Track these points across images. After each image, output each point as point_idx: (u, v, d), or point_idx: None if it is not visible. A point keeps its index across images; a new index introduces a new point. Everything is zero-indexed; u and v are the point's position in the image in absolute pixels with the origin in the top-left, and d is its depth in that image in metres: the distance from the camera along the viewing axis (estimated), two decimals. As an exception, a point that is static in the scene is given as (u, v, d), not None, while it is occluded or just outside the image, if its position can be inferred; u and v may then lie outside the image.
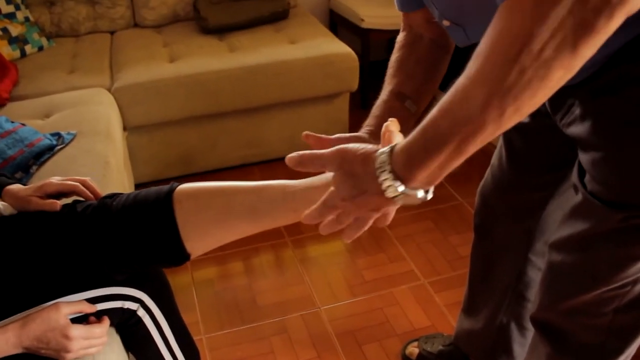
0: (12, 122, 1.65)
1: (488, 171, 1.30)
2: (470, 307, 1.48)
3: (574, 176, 0.95)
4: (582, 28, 0.55)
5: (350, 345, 1.66)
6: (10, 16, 2.40)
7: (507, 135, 1.19)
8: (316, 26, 2.62)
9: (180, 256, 1.01)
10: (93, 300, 1.01)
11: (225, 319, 1.76)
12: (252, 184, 1.00)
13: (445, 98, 0.63)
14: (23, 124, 1.66)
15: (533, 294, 1.27)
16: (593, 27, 0.55)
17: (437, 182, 0.67)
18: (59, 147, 1.65)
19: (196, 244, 1.00)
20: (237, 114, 2.36)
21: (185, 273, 1.95)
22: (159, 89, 2.18)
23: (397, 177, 0.67)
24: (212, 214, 0.98)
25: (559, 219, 1.03)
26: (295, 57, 2.32)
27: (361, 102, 2.94)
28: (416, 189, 0.68)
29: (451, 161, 0.64)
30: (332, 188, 0.74)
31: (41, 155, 1.60)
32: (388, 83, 1.04)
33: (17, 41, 2.38)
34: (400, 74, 1.03)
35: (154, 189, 1.03)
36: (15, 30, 2.38)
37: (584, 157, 0.91)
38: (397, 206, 0.73)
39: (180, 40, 2.48)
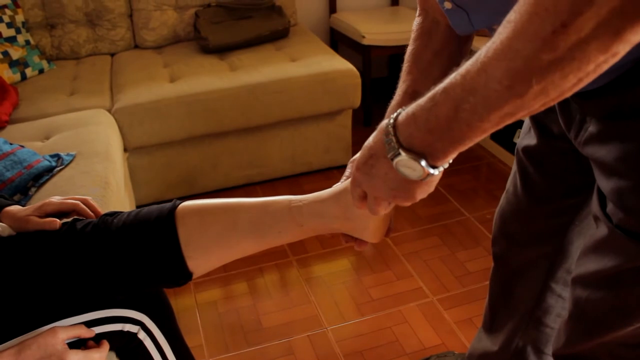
0: (11, 144, 1.63)
1: (503, 197, 1.23)
2: (491, 327, 1.42)
3: (595, 206, 0.86)
4: (630, 5, 0.48)
5: (359, 366, 1.62)
6: (11, 40, 2.40)
7: (521, 162, 1.12)
8: (317, 44, 2.61)
9: (182, 275, 0.98)
10: (92, 323, 0.98)
11: (230, 341, 1.72)
12: (257, 200, 0.97)
13: (462, 66, 0.58)
14: (22, 146, 1.64)
15: (552, 320, 1.22)
16: None
17: (443, 158, 0.63)
18: (58, 168, 1.62)
19: (199, 262, 0.97)
20: (239, 133, 2.34)
21: (188, 295, 1.91)
22: (160, 109, 2.16)
23: (399, 139, 0.64)
24: (216, 231, 0.95)
25: (581, 248, 0.94)
26: (296, 75, 2.30)
27: (364, 120, 2.93)
28: (419, 158, 0.63)
29: (458, 134, 0.59)
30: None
31: (40, 177, 1.58)
32: (402, 81, 0.96)
33: (18, 64, 2.37)
34: (415, 70, 0.95)
35: (156, 206, 1.01)
36: (16, 53, 2.38)
37: (606, 184, 0.80)
38: (403, 181, 0.68)
39: (181, 60, 2.47)
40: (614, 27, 0.49)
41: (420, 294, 1.86)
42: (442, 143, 0.62)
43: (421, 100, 0.62)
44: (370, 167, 0.71)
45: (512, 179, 1.18)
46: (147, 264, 0.96)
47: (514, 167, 1.16)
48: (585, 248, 0.91)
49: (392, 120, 0.65)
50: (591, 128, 0.80)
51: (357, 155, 0.74)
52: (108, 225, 0.98)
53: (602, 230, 0.84)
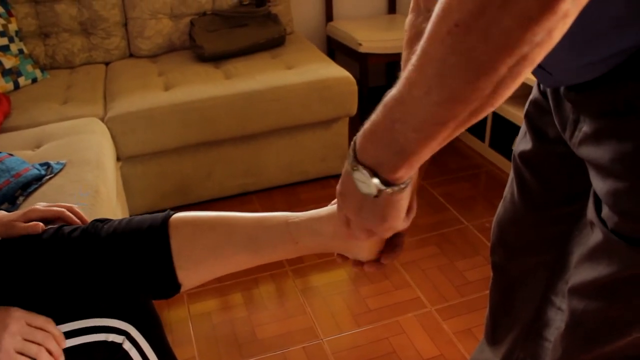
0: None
1: (501, 204, 1.19)
2: (493, 338, 1.37)
3: (590, 211, 0.82)
4: None
5: (355, 378, 1.58)
6: (4, 49, 2.37)
7: (517, 168, 1.08)
8: (313, 52, 2.59)
9: (170, 286, 0.94)
10: (75, 333, 0.94)
11: (224, 353, 1.68)
12: (253, 214, 0.95)
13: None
14: (10, 154, 1.61)
15: (551, 334, 1.15)
16: None
17: (394, 172, 0.62)
18: (47, 177, 1.59)
19: (189, 273, 0.94)
20: (234, 142, 2.31)
21: (182, 306, 1.86)
22: (154, 118, 2.13)
23: (355, 155, 0.64)
24: (209, 242, 0.93)
25: (577, 257, 0.90)
26: (292, 82, 2.28)
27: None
28: (371, 173, 0.63)
29: (398, 146, 0.59)
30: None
31: (29, 185, 1.55)
32: (402, 68, 0.93)
33: (11, 73, 2.35)
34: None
35: (148, 215, 0.98)
36: (8, 62, 2.35)
37: (601, 187, 0.77)
38: (365, 200, 0.67)
39: (176, 68, 2.45)
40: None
41: (418, 304, 1.82)
42: (388, 156, 0.61)
43: (373, 113, 0.61)
44: (344, 187, 0.71)
45: (510, 186, 1.13)
46: (136, 272, 0.93)
47: (511, 174, 1.12)
48: (580, 256, 0.87)
49: (356, 134, 0.65)
50: (585, 128, 0.77)
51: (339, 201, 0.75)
52: (98, 231, 0.95)
53: (597, 236, 0.80)
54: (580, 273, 0.86)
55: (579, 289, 0.87)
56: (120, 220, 0.97)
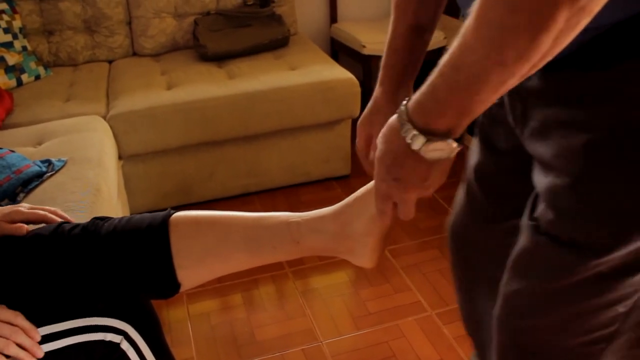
0: (0, 148, 1.59)
1: (452, 213, 1.12)
2: (474, 345, 1.32)
3: (525, 215, 0.79)
4: None
5: (354, 381, 1.57)
6: (8, 45, 2.37)
7: (468, 182, 1.03)
8: (317, 53, 2.59)
9: (169, 286, 0.94)
10: (72, 332, 0.93)
11: (222, 354, 1.67)
12: (254, 214, 0.94)
13: (452, 44, 0.59)
14: (12, 151, 1.60)
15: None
16: None
17: (461, 129, 0.64)
18: (48, 174, 1.58)
19: (189, 272, 0.93)
20: (236, 142, 2.31)
21: (181, 306, 1.86)
22: (156, 117, 2.12)
23: (418, 128, 0.65)
24: (209, 241, 0.92)
25: (507, 266, 0.85)
26: (295, 83, 2.27)
27: (364, 130, 2.89)
28: (443, 138, 0.64)
29: (463, 109, 0.61)
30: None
31: (29, 182, 1.54)
32: (398, 17, 0.94)
33: (14, 70, 2.35)
34: (413, 2, 0.91)
35: (149, 214, 0.97)
36: (12, 59, 2.35)
37: (542, 182, 0.75)
38: (433, 168, 0.68)
39: (179, 67, 2.45)
40: None
41: (418, 308, 1.81)
42: (453, 119, 0.62)
43: (424, 87, 0.63)
44: (391, 145, 0.69)
45: (460, 197, 1.07)
46: (135, 271, 0.92)
47: (463, 186, 1.06)
48: (509, 265, 0.83)
49: (404, 115, 0.65)
50: (533, 122, 0.76)
51: (377, 161, 0.72)
52: (98, 229, 0.95)
53: (525, 239, 0.78)
54: (509, 284, 0.82)
55: (507, 302, 0.83)
56: (121, 219, 0.97)
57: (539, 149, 0.75)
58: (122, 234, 0.93)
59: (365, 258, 0.92)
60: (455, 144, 0.65)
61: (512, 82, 0.57)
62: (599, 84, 0.65)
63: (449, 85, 0.59)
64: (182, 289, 0.95)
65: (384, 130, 0.70)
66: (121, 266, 0.92)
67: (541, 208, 0.75)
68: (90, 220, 0.98)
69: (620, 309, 0.73)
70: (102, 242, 0.92)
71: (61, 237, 0.93)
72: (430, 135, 0.64)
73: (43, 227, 0.99)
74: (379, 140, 0.71)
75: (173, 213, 0.96)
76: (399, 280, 1.93)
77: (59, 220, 1.03)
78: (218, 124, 2.20)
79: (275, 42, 2.61)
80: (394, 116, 0.68)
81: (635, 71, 0.62)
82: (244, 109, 2.21)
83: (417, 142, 0.65)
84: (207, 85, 2.25)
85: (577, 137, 0.68)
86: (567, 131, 0.69)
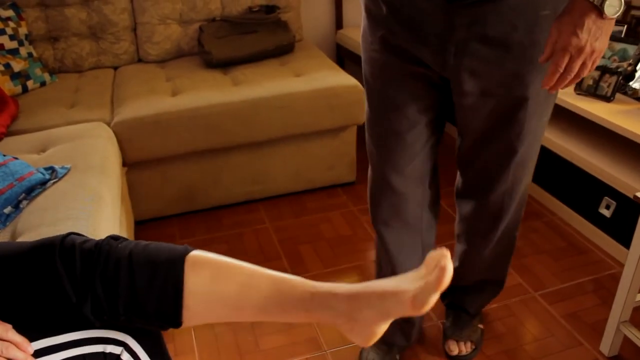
0: (4, 155, 1.59)
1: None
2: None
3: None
4: None
5: (359, 391, 1.55)
6: (14, 52, 2.38)
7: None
8: (322, 59, 2.58)
9: (171, 323, 0.93)
10: (72, 344, 0.92)
11: (225, 363, 1.66)
12: (273, 274, 0.95)
13: None
14: (15, 158, 1.60)
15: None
16: None
17: None
18: (52, 181, 1.58)
19: (194, 315, 0.93)
20: (241, 149, 2.30)
21: (184, 314, 1.84)
22: (160, 123, 2.12)
23: None
24: (224, 292, 0.93)
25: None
26: (300, 90, 2.26)
27: (369, 136, 2.88)
28: None
29: None
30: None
31: (32, 189, 1.54)
32: None
33: (20, 77, 2.35)
34: None
35: (166, 245, 0.96)
36: (17, 66, 2.35)
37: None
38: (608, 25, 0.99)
39: (184, 74, 2.44)
40: None
41: (424, 317, 1.79)
42: None
43: None
44: (594, 26, 0.98)
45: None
46: (140, 302, 0.90)
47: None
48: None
49: None
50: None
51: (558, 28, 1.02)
52: (112, 249, 0.92)
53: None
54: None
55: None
56: (137, 243, 0.95)
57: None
58: (137, 262, 0.91)
59: (362, 339, 0.95)
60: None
61: None
62: None
63: None
64: (182, 327, 0.94)
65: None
66: (127, 294, 0.90)
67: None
68: (105, 238, 0.96)
69: None
70: (113, 265, 0.91)
71: (71, 250, 0.92)
72: None
73: (51, 237, 0.96)
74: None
75: (191, 250, 0.95)
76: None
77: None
78: (223, 130, 2.20)
79: (281, 48, 2.61)
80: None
81: None
82: (248, 116, 2.21)
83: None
84: (212, 92, 2.24)
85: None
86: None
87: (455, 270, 1.51)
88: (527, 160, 1.32)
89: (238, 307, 0.94)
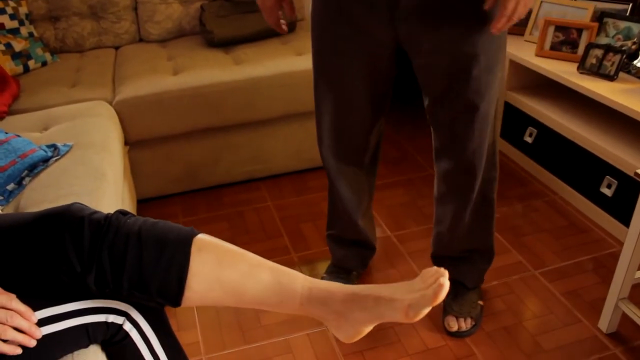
0: (6, 132, 1.60)
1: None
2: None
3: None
4: None
5: (359, 366, 1.57)
6: (14, 32, 2.37)
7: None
8: (324, 38, 2.56)
9: (171, 302, 0.95)
10: (75, 314, 0.93)
11: (227, 338, 1.67)
12: (274, 266, 1.00)
13: None
14: (17, 135, 1.61)
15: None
16: None
17: None
18: (54, 158, 1.59)
19: (194, 297, 0.95)
20: (242, 128, 2.30)
21: (187, 291, 1.86)
22: (162, 102, 2.12)
23: None
24: (226, 278, 0.96)
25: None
26: (301, 69, 2.25)
27: (371, 117, 2.87)
28: None
29: None
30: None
31: (35, 166, 1.54)
32: None
33: (21, 56, 2.35)
34: None
35: (174, 225, 0.98)
36: (18, 45, 2.35)
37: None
38: None
39: (185, 53, 2.44)
40: None
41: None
42: None
43: None
44: None
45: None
46: (145, 277, 0.92)
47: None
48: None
49: None
50: None
51: None
52: (121, 224, 0.94)
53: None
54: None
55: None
56: (146, 220, 0.97)
57: None
58: (145, 239, 0.93)
59: (345, 336, 1.01)
60: None
61: None
62: None
63: None
64: (180, 306, 0.97)
65: None
66: (133, 270, 0.92)
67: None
68: (114, 212, 0.97)
69: None
70: (122, 240, 0.92)
71: (80, 221, 0.92)
72: None
73: (57, 206, 0.97)
74: None
75: (197, 233, 0.97)
76: (405, 266, 1.93)
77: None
78: (224, 109, 2.20)
79: (282, 27, 2.59)
80: None
81: None
82: (250, 95, 2.20)
83: None
84: (213, 71, 2.24)
85: None
86: None
87: (439, 236, 1.63)
88: (489, 116, 1.39)
89: (238, 294, 0.97)
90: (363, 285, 1.01)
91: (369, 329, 1.00)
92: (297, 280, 0.99)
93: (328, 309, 0.99)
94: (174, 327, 1.10)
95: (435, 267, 0.94)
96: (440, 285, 0.88)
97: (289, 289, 0.97)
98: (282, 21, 1.42)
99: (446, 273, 0.91)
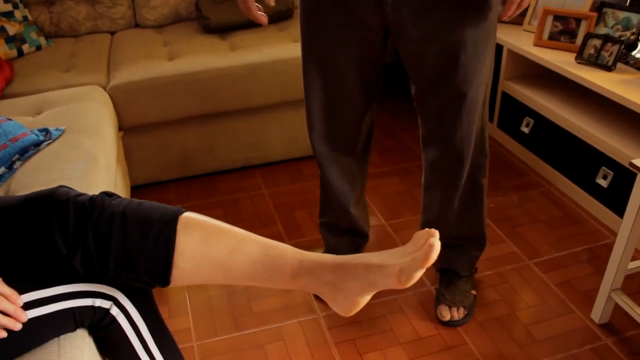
0: (-2, 116, 1.58)
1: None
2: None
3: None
4: None
5: (350, 354, 1.56)
6: (8, 15, 2.35)
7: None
8: (321, 26, 2.54)
9: (160, 281, 0.94)
10: (60, 297, 0.93)
11: (219, 325, 1.67)
12: (262, 239, 0.98)
13: None
14: (9, 119, 1.59)
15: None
16: None
17: None
18: (45, 142, 1.57)
19: (183, 275, 0.94)
20: (238, 115, 2.29)
21: (180, 277, 1.85)
22: (157, 88, 2.10)
23: None
24: (214, 254, 0.94)
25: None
26: (298, 56, 2.22)
27: (368, 105, 2.86)
28: None
29: None
30: None
31: (26, 150, 1.53)
32: None
33: (15, 40, 2.33)
34: None
35: (159, 204, 0.97)
36: (12, 29, 2.33)
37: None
38: None
39: (181, 39, 2.42)
40: None
41: (417, 283, 1.79)
42: None
43: None
44: None
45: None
46: (131, 259, 0.91)
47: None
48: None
49: None
50: None
51: None
52: (106, 205, 0.93)
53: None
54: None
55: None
56: (131, 201, 0.96)
57: None
58: (130, 219, 0.92)
59: (343, 310, 0.99)
60: None
61: None
62: None
63: None
64: (169, 286, 0.96)
65: None
66: (119, 250, 0.91)
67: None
68: (99, 193, 0.96)
69: None
70: (107, 220, 0.91)
71: (65, 203, 0.91)
72: None
73: (42, 190, 0.96)
74: None
75: (184, 212, 0.96)
76: (399, 255, 1.92)
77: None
78: (220, 95, 2.18)
79: (279, 14, 2.57)
80: None
81: None
82: (246, 81, 2.19)
83: None
84: (209, 57, 2.22)
85: None
86: None
87: (427, 224, 1.62)
88: (477, 103, 1.38)
89: (227, 270, 0.95)
90: (354, 254, 0.99)
91: (365, 299, 0.97)
92: (287, 253, 0.97)
93: (320, 281, 0.96)
94: (165, 314, 1.10)
95: (426, 229, 0.90)
96: (431, 246, 0.84)
97: (278, 262, 0.95)
98: (261, 13, 1.40)
99: (437, 233, 0.87)
